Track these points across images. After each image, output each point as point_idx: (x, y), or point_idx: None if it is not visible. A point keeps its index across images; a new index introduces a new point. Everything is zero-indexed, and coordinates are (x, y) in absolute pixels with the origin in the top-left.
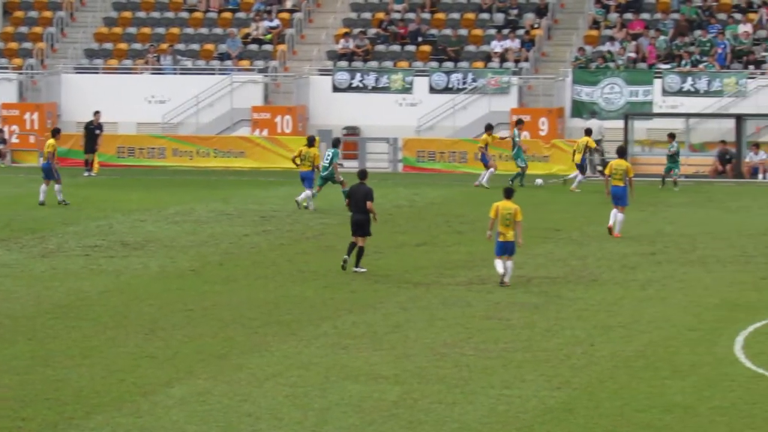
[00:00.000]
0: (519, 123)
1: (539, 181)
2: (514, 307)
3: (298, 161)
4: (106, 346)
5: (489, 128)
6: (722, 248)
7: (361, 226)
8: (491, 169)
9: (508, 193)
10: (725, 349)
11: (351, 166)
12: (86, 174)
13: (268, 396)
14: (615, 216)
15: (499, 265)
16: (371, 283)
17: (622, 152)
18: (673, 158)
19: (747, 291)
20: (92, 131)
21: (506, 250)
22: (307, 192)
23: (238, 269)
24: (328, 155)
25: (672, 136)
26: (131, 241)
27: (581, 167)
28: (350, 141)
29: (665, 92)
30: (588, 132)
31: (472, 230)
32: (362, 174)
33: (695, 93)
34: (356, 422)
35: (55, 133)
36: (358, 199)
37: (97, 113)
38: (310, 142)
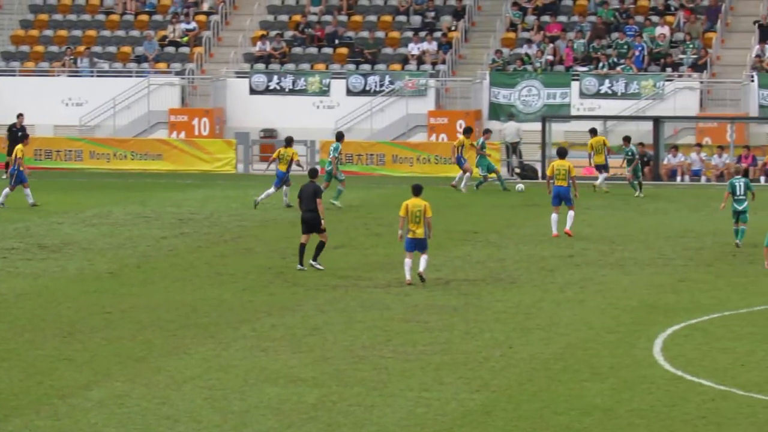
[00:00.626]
0: (486, 132)
1: (520, 186)
2: (432, 310)
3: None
4: (23, 349)
5: (468, 131)
6: (640, 250)
7: (311, 224)
8: (468, 173)
9: (417, 190)
10: (644, 351)
11: (270, 168)
12: (4, 177)
13: (187, 399)
14: (556, 219)
15: (407, 263)
16: (289, 285)
17: (563, 153)
18: (631, 162)
19: (665, 293)
20: (15, 134)
21: (416, 245)
22: (269, 190)
23: (155, 272)
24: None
25: (627, 139)
26: (49, 244)
27: (605, 167)
28: (267, 143)
29: (583, 95)
30: (593, 132)
31: (390, 232)
32: (313, 172)
33: (613, 95)
34: (275, 425)
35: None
36: (308, 197)
37: (20, 116)
38: (288, 142)
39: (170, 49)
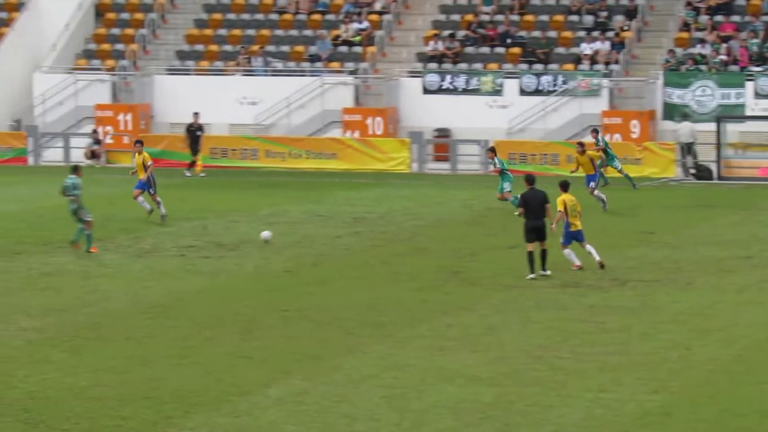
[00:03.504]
0: (594, 131)
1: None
2: (609, 311)
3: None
4: (203, 346)
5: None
6: None
7: (539, 232)
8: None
9: (565, 186)
10: None
11: (442, 168)
12: (187, 174)
13: (365, 397)
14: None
15: (572, 253)
16: (465, 285)
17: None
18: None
19: None
20: (193, 133)
21: (577, 237)
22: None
23: (332, 270)
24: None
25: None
26: (226, 242)
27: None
28: (441, 143)
29: (757, 95)
30: None
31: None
32: (531, 179)
33: None
34: (453, 424)
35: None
36: (536, 204)
37: (196, 114)
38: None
39: (343, 49)
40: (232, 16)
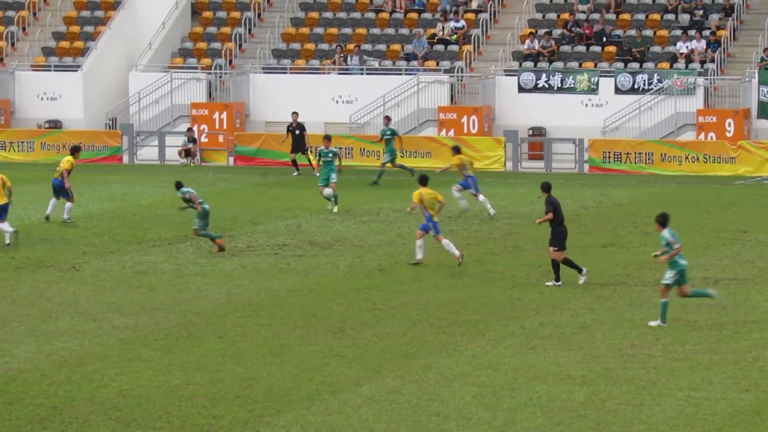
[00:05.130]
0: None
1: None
2: (701, 309)
3: None
4: (295, 345)
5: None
6: None
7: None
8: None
9: (424, 181)
10: None
11: (537, 166)
12: (295, 174)
13: (457, 396)
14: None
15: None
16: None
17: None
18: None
19: None
20: (293, 132)
21: (435, 228)
22: None
23: (425, 269)
24: None
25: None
26: (320, 241)
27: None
28: (536, 141)
29: None
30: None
31: None
32: (548, 186)
33: None
34: (544, 422)
35: (74, 150)
36: (561, 210)
37: (294, 114)
38: None
39: (439, 47)
40: (328, 14)
